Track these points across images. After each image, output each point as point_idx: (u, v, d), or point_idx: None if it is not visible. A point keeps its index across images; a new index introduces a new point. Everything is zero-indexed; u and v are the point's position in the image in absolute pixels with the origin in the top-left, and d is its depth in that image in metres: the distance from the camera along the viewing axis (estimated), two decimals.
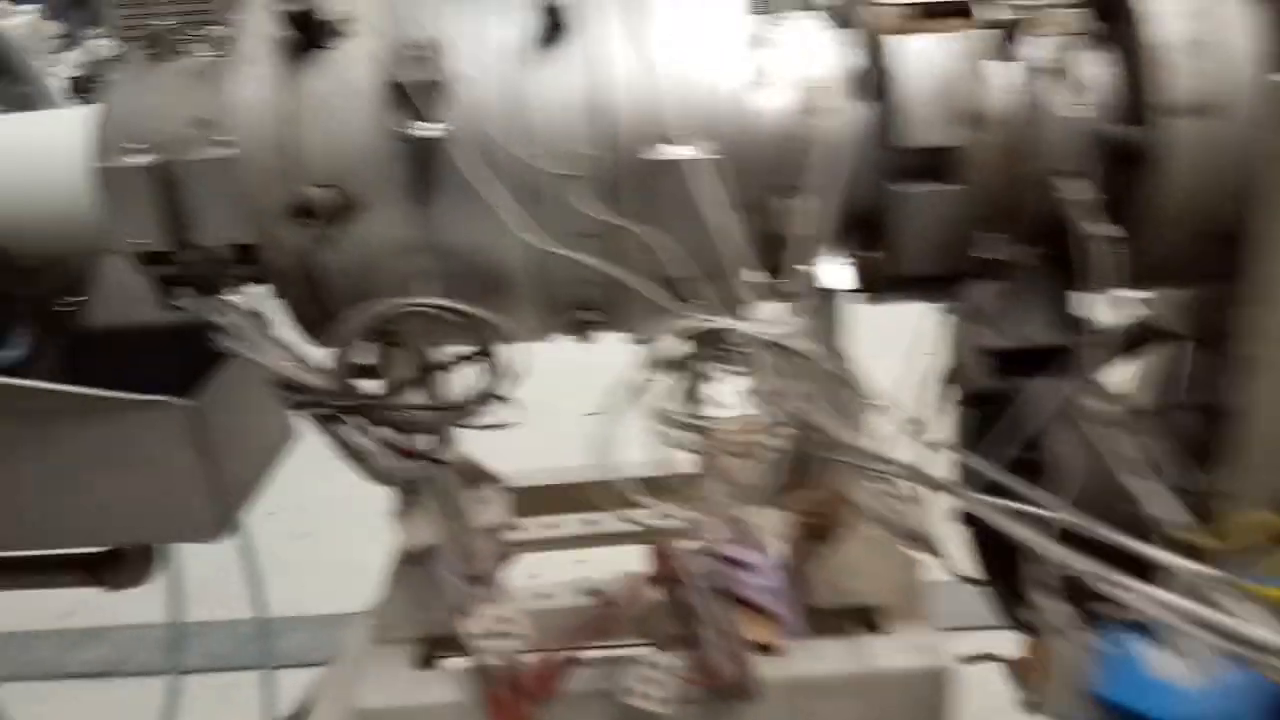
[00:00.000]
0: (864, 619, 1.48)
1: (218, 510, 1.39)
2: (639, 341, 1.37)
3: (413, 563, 1.38)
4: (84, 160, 1.25)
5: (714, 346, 1.07)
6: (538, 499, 1.79)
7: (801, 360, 1.03)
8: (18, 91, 1.44)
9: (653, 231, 1.10)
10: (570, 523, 1.77)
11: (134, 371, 1.68)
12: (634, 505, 1.78)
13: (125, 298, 1.70)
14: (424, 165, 1.12)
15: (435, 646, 1.51)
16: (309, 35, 1.14)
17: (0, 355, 1.37)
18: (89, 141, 1.24)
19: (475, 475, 1.38)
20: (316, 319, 1.27)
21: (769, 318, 1.17)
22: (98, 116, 1.24)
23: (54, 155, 1.29)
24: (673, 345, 1.08)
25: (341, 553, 3.92)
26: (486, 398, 1.20)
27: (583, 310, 1.25)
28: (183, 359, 1.71)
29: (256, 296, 1.33)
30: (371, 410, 1.18)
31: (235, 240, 1.22)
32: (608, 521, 1.80)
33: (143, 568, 1.57)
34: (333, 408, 1.17)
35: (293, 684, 2.07)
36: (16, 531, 1.40)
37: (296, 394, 1.18)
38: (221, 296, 1.26)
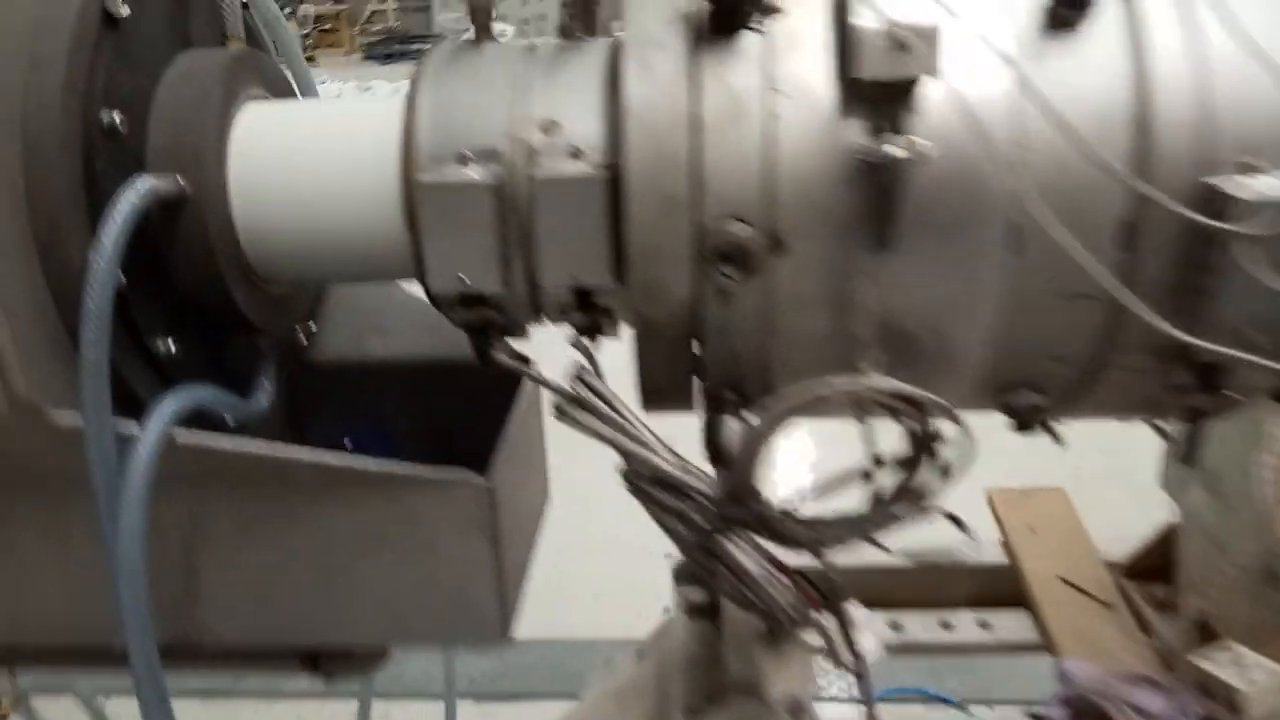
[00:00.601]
0: None
1: (503, 606, 1.11)
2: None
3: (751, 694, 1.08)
4: (387, 170, 0.97)
5: None
6: None
7: None
8: (274, 70, 1.15)
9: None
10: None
11: (360, 417, 1.42)
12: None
13: (353, 326, 1.44)
14: (885, 195, 0.81)
15: None
16: (729, 11, 0.83)
17: (242, 408, 1.09)
18: (396, 146, 0.96)
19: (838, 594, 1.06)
20: (670, 386, 0.97)
21: None
22: (409, 114, 0.95)
23: (344, 161, 1.01)
24: None
25: None
26: (920, 501, 0.89)
27: (1031, 391, 0.93)
28: (418, 401, 1.45)
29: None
30: (771, 522, 0.88)
31: (591, 283, 0.92)
32: (915, 625, 1.48)
33: (372, 662, 1.28)
34: (723, 520, 0.87)
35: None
36: (251, 623, 1.12)
37: (671, 496, 0.88)
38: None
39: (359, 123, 1.03)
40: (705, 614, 1.41)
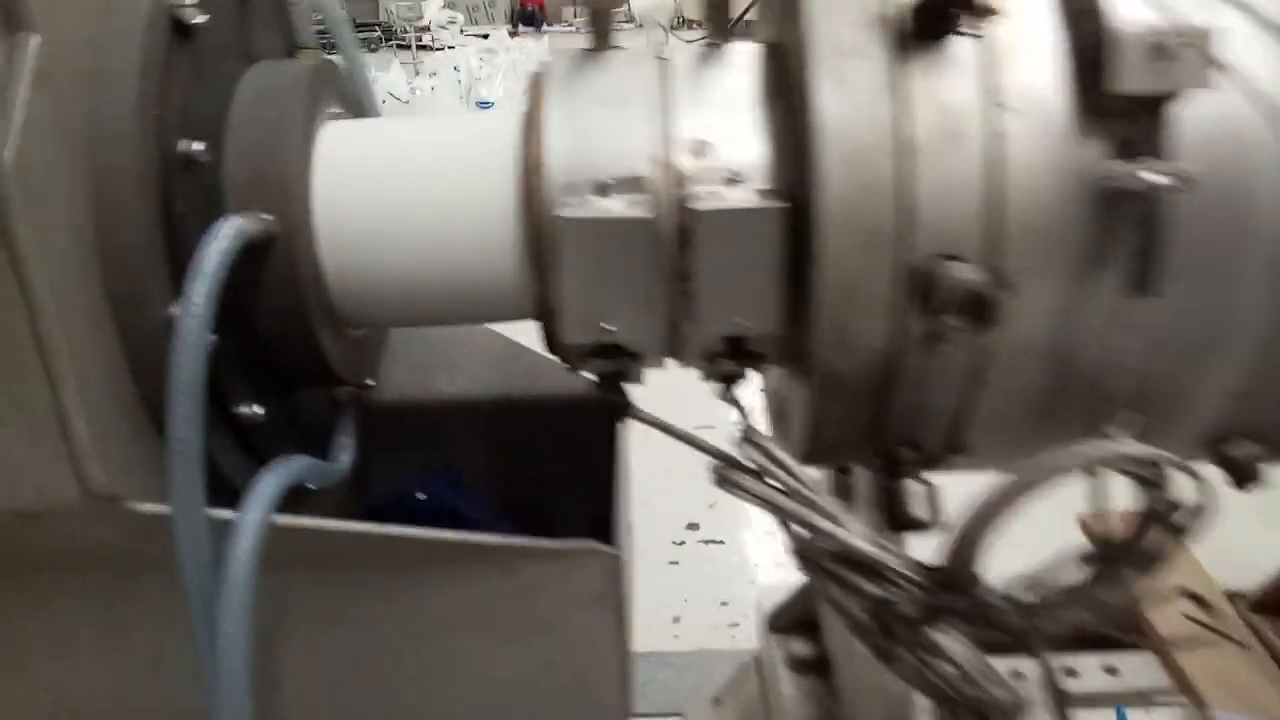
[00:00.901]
0: None
1: (624, 687, 0.98)
2: None
3: None
4: (501, 200, 0.83)
5: None
6: None
7: None
8: (346, 82, 1.00)
9: None
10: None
11: (426, 457, 1.29)
12: None
13: (417, 362, 1.30)
14: (1147, 229, 0.69)
15: None
16: (938, 13, 0.71)
17: (329, 473, 0.95)
18: (512, 173, 0.83)
19: None
20: (843, 442, 0.84)
21: None
22: (533, 136, 0.82)
23: (447, 190, 0.87)
24: None
25: None
26: (1153, 567, 0.77)
27: (1253, 441, 0.82)
28: (487, 440, 1.32)
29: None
30: (990, 610, 0.76)
31: (756, 329, 0.80)
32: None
33: None
34: (934, 609, 0.74)
35: None
36: (337, 714, 0.99)
37: (863, 578, 0.75)
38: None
39: (462, 145, 0.89)
40: (813, 669, 1.29)
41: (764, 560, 3.57)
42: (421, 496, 1.20)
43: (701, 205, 0.77)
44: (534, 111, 0.83)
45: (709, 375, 0.92)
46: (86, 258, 0.71)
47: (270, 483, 0.78)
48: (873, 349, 0.75)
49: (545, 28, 16.27)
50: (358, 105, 1.02)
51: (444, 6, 15.86)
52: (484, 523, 1.25)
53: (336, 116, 0.93)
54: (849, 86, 0.72)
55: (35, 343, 0.67)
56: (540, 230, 0.81)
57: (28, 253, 0.65)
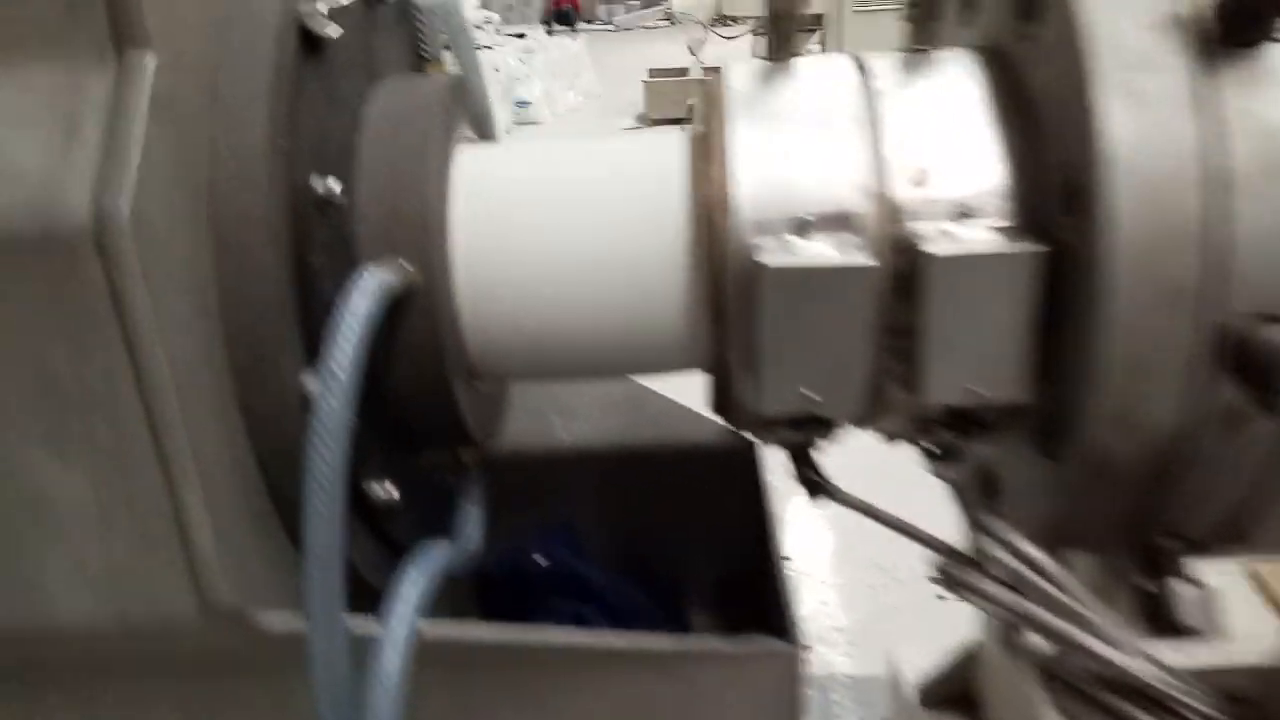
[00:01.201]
0: None
1: None
2: None
3: None
4: (673, 238, 0.70)
5: None
6: None
7: None
8: (472, 99, 0.87)
9: None
10: None
11: (541, 512, 1.16)
12: None
13: (531, 408, 1.17)
14: None
15: None
16: (1250, 13, 0.56)
17: (463, 553, 0.81)
18: (683, 205, 0.69)
19: None
20: (1099, 531, 0.70)
21: None
22: (715, 163, 0.68)
23: (605, 228, 0.74)
24: None
25: None
26: None
27: None
28: (605, 493, 1.19)
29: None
30: None
31: (998, 398, 0.66)
32: None
33: None
34: None
35: None
36: None
37: (1149, 710, 0.61)
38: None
39: (621, 175, 0.76)
40: None
41: (829, 576, 3.44)
42: (543, 562, 1.07)
43: (934, 248, 0.63)
44: (714, 134, 0.70)
45: (901, 439, 0.79)
46: (210, 325, 0.59)
47: (415, 584, 0.65)
48: (1160, 428, 0.61)
49: (580, 26, 16.16)
50: (481, 123, 0.89)
51: (479, 6, 15.65)
52: (606, 588, 1.12)
53: (467, 139, 0.80)
54: (1142, 104, 0.58)
55: (151, 432, 0.54)
56: (724, 275, 0.68)
57: (145, 323, 0.52)
